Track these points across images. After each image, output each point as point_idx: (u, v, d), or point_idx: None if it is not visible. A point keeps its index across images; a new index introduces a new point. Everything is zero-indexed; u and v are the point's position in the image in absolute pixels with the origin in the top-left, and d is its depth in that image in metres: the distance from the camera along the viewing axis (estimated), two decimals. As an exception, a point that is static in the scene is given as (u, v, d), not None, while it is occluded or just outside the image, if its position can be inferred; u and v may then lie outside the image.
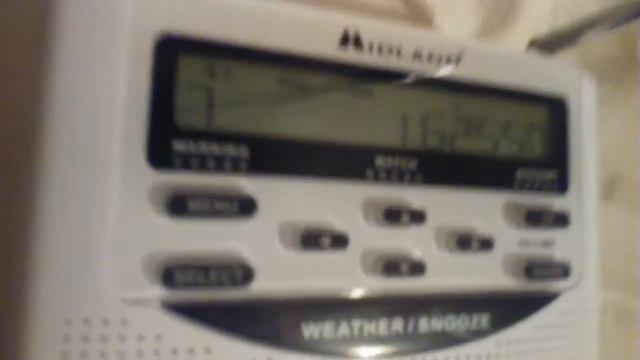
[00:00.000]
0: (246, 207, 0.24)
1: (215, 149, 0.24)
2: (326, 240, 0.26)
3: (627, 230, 0.43)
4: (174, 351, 0.23)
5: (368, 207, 0.27)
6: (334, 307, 0.26)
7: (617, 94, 0.45)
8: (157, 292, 0.23)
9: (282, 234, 0.25)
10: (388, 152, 0.28)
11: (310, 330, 0.26)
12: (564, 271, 0.32)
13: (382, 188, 0.28)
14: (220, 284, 0.23)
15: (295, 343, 0.25)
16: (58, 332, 0.22)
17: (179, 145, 0.23)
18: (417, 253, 0.28)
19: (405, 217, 0.27)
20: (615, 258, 0.38)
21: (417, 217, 0.28)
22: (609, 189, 0.44)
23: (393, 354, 0.28)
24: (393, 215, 0.27)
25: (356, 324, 0.27)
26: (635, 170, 0.44)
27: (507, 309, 0.31)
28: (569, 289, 0.33)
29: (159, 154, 0.23)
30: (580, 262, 0.33)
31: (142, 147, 0.23)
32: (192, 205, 0.23)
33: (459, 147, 0.30)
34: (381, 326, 0.27)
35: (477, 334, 0.30)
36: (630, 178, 0.44)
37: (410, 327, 0.28)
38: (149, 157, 0.23)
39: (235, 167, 0.24)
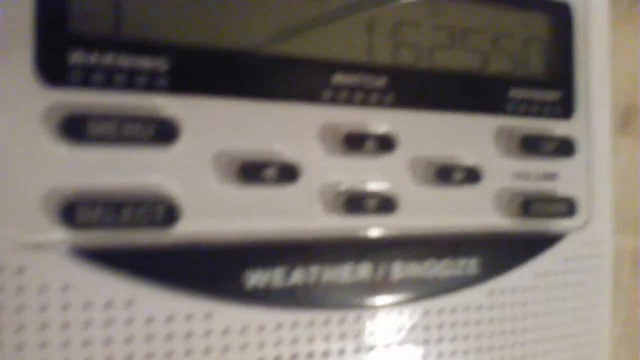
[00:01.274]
0: (165, 131, 0.20)
1: (125, 60, 0.20)
2: (271, 172, 0.21)
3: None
4: (87, 304, 0.20)
5: (325, 133, 0.23)
6: (285, 250, 0.22)
7: (633, 14, 0.39)
8: (61, 234, 0.19)
9: (216, 165, 0.21)
10: (350, 67, 0.23)
11: (256, 278, 0.22)
12: (568, 208, 0.27)
13: (342, 110, 0.23)
14: (136, 224, 0.19)
15: (237, 294, 0.21)
16: (-60, 284, 0.18)
17: (76, 57, 0.19)
18: (386, 187, 0.24)
19: (370, 144, 0.23)
20: (630, 198, 0.33)
21: (385, 143, 0.23)
22: (624, 121, 0.38)
23: (361, 305, 0.23)
24: (355, 142, 0.23)
25: (313, 269, 0.23)
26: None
27: (500, 252, 0.26)
28: (575, 230, 0.28)
29: (51, 67, 0.19)
30: (588, 199, 0.29)
31: (29, 60, 0.19)
32: (94, 128, 0.19)
33: (439, 62, 0.25)
34: (344, 272, 0.23)
35: (464, 282, 0.25)
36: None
37: (381, 274, 0.24)
38: (38, 72, 0.19)
39: (151, 83, 0.20)
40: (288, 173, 0.22)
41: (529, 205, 0.26)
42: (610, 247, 0.30)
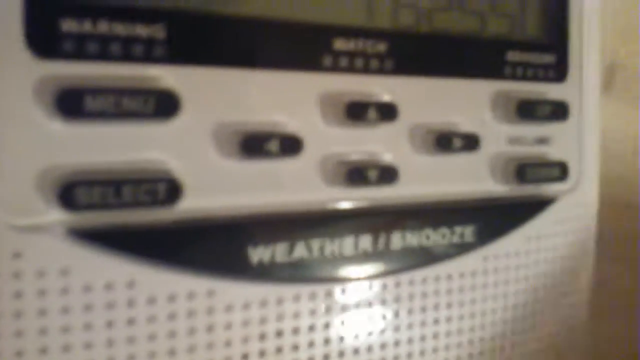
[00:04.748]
0: (166, 104, 0.19)
1: (120, 28, 0.18)
2: (274, 145, 0.21)
3: (627, 124, 0.39)
4: (87, 288, 0.19)
5: (326, 102, 0.22)
6: (287, 225, 0.22)
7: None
8: (58, 216, 0.18)
9: (217, 138, 0.20)
10: (350, 32, 0.22)
11: (259, 254, 0.21)
12: (561, 172, 0.28)
13: (342, 78, 0.22)
14: (138, 203, 0.19)
15: (241, 270, 0.21)
16: None
17: (68, 25, 0.18)
18: (387, 157, 0.23)
19: (372, 113, 0.22)
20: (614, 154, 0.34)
21: (388, 112, 0.23)
22: (609, 79, 0.39)
23: (361, 277, 0.23)
24: (358, 111, 0.22)
25: (315, 244, 0.22)
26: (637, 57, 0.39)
27: (494, 219, 0.26)
28: (565, 193, 0.28)
29: (43, 37, 0.17)
30: (578, 162, 0.29)
31: (18, 29, 0.17)
32: (92, 103, 0.18)
33: (438, 25, 0.24)
34: (346, 245, 0.23)
35: (460, 249, 0.26)
36: (634, 66, 0.39)
37: (381, 245, 0.23)
38: (29, 42, 0.17)
39: (148, 52, 0.19)
40: (291, 145, 0.21)
41: (524, 170, 0.26)
42: (596, 209, 0.30)
